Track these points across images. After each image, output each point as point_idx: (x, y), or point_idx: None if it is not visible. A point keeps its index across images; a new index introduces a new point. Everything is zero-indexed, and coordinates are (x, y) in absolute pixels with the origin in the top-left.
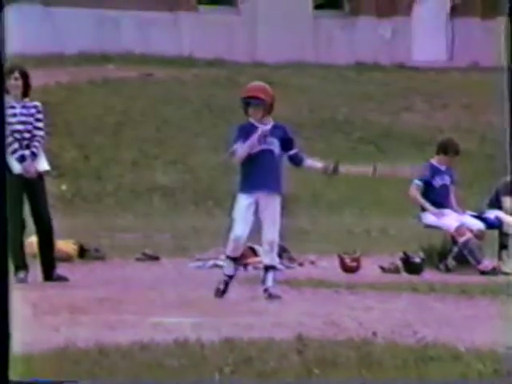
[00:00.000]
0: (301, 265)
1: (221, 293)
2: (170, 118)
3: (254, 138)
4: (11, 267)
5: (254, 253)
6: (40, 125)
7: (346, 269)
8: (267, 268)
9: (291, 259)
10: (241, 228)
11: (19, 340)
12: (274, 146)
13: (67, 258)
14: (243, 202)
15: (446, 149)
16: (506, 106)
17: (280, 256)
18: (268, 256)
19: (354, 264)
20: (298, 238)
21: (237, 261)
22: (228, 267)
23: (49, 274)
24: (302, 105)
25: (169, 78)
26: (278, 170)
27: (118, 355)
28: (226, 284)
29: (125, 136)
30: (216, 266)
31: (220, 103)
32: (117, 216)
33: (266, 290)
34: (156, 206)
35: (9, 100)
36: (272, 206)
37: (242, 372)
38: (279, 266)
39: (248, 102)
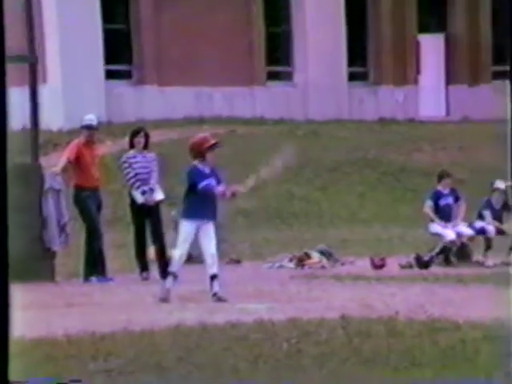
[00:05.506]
0: (343, 264)
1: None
2: (249, 162)
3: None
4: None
5: (309, 257)
6: (155, 168)
7: (376, 266)
8: (212, 277)
9: (336, 260)
10: (184, 249)
11: (143, 320)
12: (212, 183)
13: None
14: (187, 227)
15: (441, 176)
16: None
17: (328, 258)
18: (212, 267)
19: (381, 263)
20: (340, 245)
21: (176, 277)
22: (169, 281)
23: (164, 273)
24: (341, 149)
25: (247, 133)
26: (214, 201)
27: (216, 331)
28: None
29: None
30: (282, 266)
31: (283, 150)
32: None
33: (214, 295)
34: (239, 224)
35: (133, 152)
36: (209, 229)
37: (303, 342)
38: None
39: (211, 147)
